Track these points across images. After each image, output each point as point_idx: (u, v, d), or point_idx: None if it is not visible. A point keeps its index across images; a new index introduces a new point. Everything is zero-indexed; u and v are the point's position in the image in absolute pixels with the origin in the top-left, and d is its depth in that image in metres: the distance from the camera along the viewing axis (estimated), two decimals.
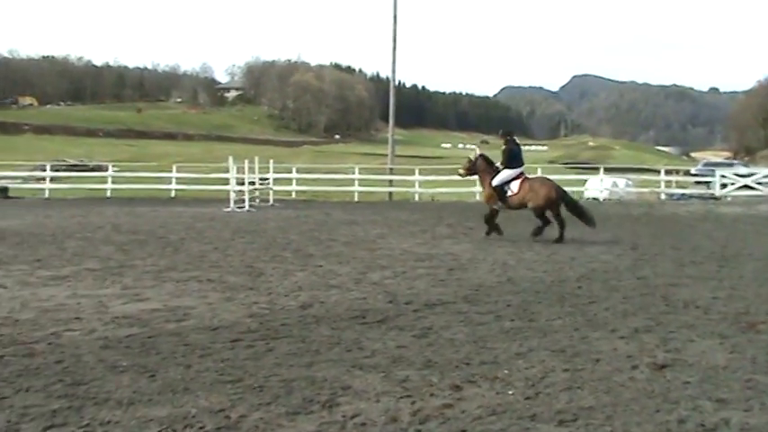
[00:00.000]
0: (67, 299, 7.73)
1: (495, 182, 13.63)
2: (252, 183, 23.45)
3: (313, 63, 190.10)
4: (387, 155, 34.51)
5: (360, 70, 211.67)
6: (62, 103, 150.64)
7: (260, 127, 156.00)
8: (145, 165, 37.74)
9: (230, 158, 23.37)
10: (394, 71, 32.24)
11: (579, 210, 13.47)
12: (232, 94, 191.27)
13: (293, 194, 29.11)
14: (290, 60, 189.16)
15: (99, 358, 5.44)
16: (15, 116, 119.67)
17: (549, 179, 14.68)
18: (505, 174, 13.64)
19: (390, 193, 29.49)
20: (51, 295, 7.93)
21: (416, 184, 29.20)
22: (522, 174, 13.75)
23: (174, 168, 30.56)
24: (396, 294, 8.10)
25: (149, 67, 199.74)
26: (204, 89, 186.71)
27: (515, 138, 14.30)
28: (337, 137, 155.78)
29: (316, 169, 37.51)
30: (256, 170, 24.35)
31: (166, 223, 17.02)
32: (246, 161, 23.07)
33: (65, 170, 38.47)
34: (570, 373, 5.09)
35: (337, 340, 6.02)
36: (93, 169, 38.23)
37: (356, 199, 28.40)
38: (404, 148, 75.43)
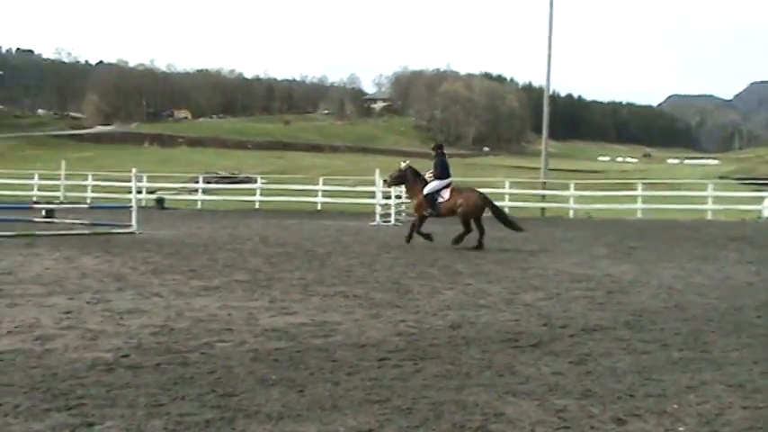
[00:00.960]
0: (219, 309, 7.90)
1: (426, 190, 14.91)
2: (398, 196, 23.53)
3: (462, 72, 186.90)
4: (539, 168, 33.32)
5: (511, 79, 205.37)
6: (214, 116, 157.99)
7: (406, 138, 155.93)
8: (292, 177, 38.91)
9: (377, 171, 23.60)
10: (548, 80, 31.43)
11: (503, 216, 15.33)
12: (379, 105, 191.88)
13: None
14: (438, 70, 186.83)
15: (249, 370, 5.47)
16: (171, 129, 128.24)
17: (475, 189, 16.40)
18: (435, 183, 14.98)
19: (543, 209, 28.64)
20: (204, 305, 8.13)
21: (571, 200, 28.23)
22: (450, 183, 15.06)
23: (321, 181, 31.23)
24: (550, 317, 7.72)
25: (298, 78, 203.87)
26: (351, 100, 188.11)
27: (444, 151, 15.74)
28: (486, 149, 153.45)
29: (464, 182, 37.22)
30: None
31: (313, 236, 17.38)
32: None
33: (216, 182, 40.08)
34: (750, 411, 4.62)
35: (488, 364, 5.76)
36: (242, 181, 39.74)
37: None
38: (557, 161, 72.82)
